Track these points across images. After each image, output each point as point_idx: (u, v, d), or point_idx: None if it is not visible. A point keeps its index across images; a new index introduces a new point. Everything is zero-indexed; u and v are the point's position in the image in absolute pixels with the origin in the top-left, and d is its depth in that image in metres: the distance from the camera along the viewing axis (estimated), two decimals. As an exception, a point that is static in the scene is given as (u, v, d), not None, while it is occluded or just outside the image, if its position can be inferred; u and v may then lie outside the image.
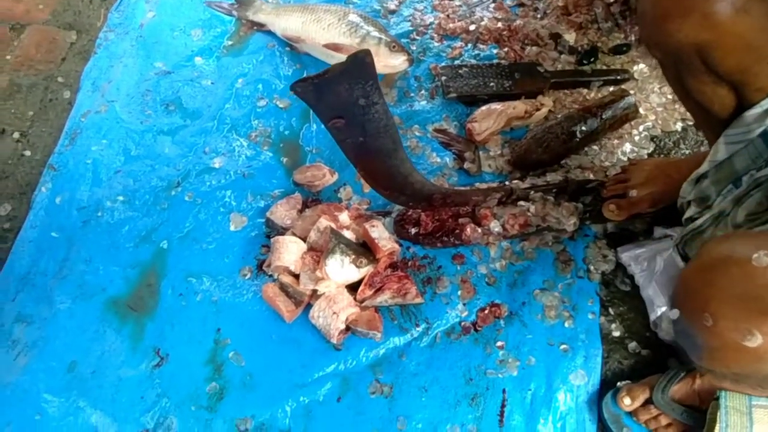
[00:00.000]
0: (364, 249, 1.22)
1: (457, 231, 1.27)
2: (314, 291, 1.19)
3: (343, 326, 1.15)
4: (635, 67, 1.54)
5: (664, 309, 1.16)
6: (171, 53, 1.60)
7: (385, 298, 1.18)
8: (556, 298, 1.23)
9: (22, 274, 1.26)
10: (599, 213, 1.29)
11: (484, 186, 1.32)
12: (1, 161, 1.43)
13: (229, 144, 1.44)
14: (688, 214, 1.03)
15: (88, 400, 1.13)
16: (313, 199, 1.35)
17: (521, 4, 1.68)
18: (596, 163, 1.40)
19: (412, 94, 1.52)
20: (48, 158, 1.42)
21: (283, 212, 1.28)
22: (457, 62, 1.57)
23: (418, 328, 1.20)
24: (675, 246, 1.05)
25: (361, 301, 1.19)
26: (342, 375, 1.16)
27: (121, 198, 1.35)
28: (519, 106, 1.43)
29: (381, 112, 0.91)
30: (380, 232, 1.22)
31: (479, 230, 1.26)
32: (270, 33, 1.63)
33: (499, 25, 1.62)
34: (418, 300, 1.20)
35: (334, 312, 1.15)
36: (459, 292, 1.24)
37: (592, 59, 1.55)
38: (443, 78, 1.49)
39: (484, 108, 1.42)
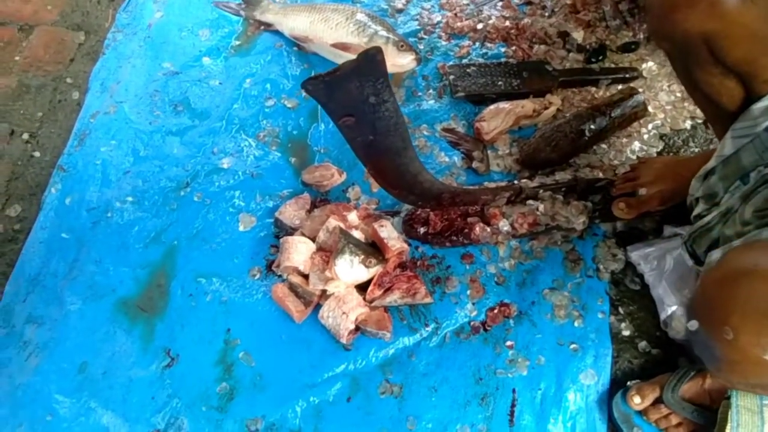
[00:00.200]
0: (373, 249, 1.22)
1: (466, 230, 1.26)
2: (324, 291, 1.19)
3: (352, 326, 1.15)
4: (644, 65, 1.54)
5: (674, 308, 1.15)
6: (179, 53, 1.60)
7: (394, 298, 1.18)
8: (566, 297, 1.23)
9: (32, 275, 1.27)
10: (608, 212, 1.28)
11: (492, 185, 1.32)
12: (10, 162, 1.44)
13: (237, 144, 1.44)
14: (696, 211, 1.02)
15: (99, 401, 1.14)
16: (321, 199, 1.35)
17: (529, 3, 1.68)
18: (605, 162, 1.39)
19: (420, 94, 1.52)
20: (57, 159, 1.43)
21: (291, 212, 1.29)
22: (464, 61, 1.57)
23: (427, 328, 1.20)
24: (684, 243, 1.05)
25: (371, 301, 1.19)
26: (352, 375, 1.16)
27: (130, 199, 1.36)
28: (527, 105, 1.42)
29: (391, 110, 0.91)
30: (389, 232, 1.22)
31: (488, 229, 1.26)
32: (278, 33, 1.63)
33: (507, 23, 1.62)
34: (428, 300, 1.20)
35: (344, 312, 1.15)
36: (468, 292, 1.24)
37: (600, 57, 1.54)
38: (451, 77, 1.49)
39: (492, 107, 1.42)
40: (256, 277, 1.26)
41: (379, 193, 1.34)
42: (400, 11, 1.68)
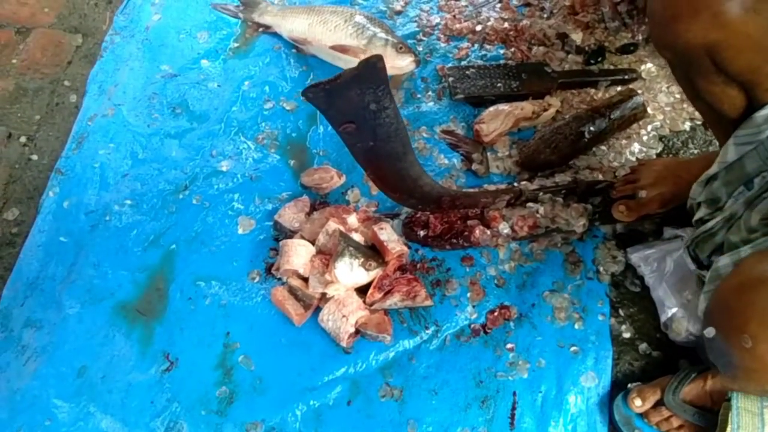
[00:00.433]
0: (373, 252, 1.22)
1: (466, 233, 1.26)
2: (323, 294, 1.19)
3: (352, 329, 1.15)
4: (643, 67, 1.54)
5: (674, 310, 1.15)
6: (177, 56, 1.59)
7: (394, 300, 1.18)
8: (566, 299, 1.23)
9: (30, 278, 1.27)
10: (608, 214, 1.28)
11: (492, 188, 1.32)
12: (8, 166, 1.44)
13: (236, 147, 1.44)
14: (698, 215, 1.02)
15: (98, 406, 1.13)
16: (320, 201, 1.34)
17: (528, 4, 1.67)
18: (605, 164, 1.39)
19: (419, 96, 1.52)
20: (55, 162, 1.42)
21: (291, 215, 1.28)
22: (463, 63, 1.56)
23: (427, 331, 1.20)
24: (686, 248, 1.05)
25: (371, 304, 1.19)
26: (352, 378, 1.16)
27: (128, 202, 1.35)
28: (527, 107, 1.42)
29: (392, 117, 0.91)
30: (389, 235, 1.21)
31: (488, 232, 1.26)
32: (276, 35, 1.62)
33: (506, 25, 1.62)
34: (428, 302, 1.20)
35: (344, 315, 1.15)
36: (468, 295, 1.23)
37: (599, 59, 1.54)
38: (450, 79, 1.49)
39: (491, 109, 1.42)
40: (256, 281, 1.25)
41: (378, 195, 1.33)
42: (398, 13, 1.67)
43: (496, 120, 1.39)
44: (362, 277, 1.18)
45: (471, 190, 1.32)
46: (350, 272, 1.15)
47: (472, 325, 1.21)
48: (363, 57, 1.42)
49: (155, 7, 1.69)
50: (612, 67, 1.54)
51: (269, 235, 1.31)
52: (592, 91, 1.51)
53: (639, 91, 1.45)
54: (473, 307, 1.22)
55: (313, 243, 1.24)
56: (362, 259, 1.16)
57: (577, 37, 1.57)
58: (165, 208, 1.35)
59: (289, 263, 1.20)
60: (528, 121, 1.43)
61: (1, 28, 1.67)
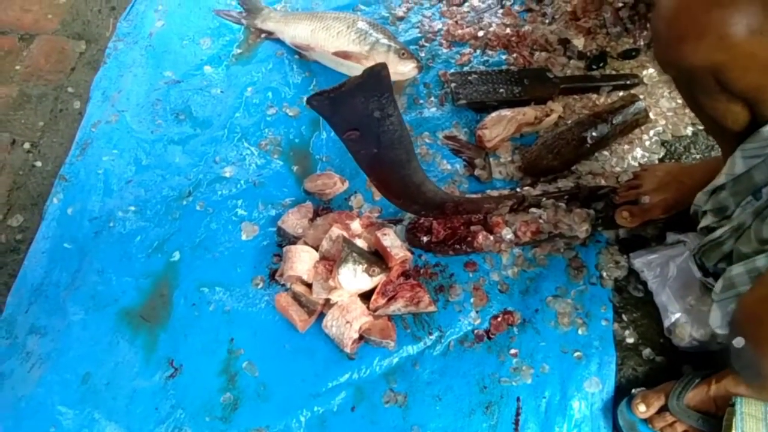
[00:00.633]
0: (377, 257, 1.22)
1: (469, 239, 1.27)
2: (327, 300, 1.19)
3: (356, 335, 1.15)
4: (645, 72, 1.54)
5: (677, 315, 1.16)
6: (180, 62, 1.60)
7: (398, 306, 1.18)
8: (569, 305, 1.23)
9: (35, 285, 1.27)
10: (611, 219, 1.29)
11: (495, 193, 1.32)
12: (12, 172, 1.44)
13: (239, 153, 1.44)
14: (704, 223, 1.02)
15: (102, 412, 1.13)
16: (324, 207, 1.35)
17: (529, 10, 1.68)
18: (607, 169, 1.39)
19: (421, 101, 1.52)
20: (59, 169, 1.43)
21: (294, 221, 1.29)
22: (466, 69, 1.57)
23: (431, 337, 1.20)
24: (692, 255, 1.05)
25: (374, 310, 1.19)
26: (356, 384, 1.16)
27: (132, 208, 1.36)
28: (529, 112, 1.42)
29: (396, 124, 0.91)
30: (392, 241, 1.22)
31: (491, 238, 1.26)
32: (279, 41, 1.63)
33: (508, 30, 1.62)
34: (431, 308, 1.20)
35: (348, 321, 1.15)
36: (471, 300, 1.24)
37: (601, 64, 1.55)
38: (453, 84, 1.49)
39: (494, 114, 1.42)
40: (259, 287, 1.26)
41: (381, 201, 1.34)
42: (401, 19, 1.68)
43: (499, 125, 1.40)
44: (366, 282, 1.18)
45: (474, 195, 1.32)
46: (354, 278, 1.16)
47: (476, 331, 1.21)
48: (365, 63, 1.45)
49: (158, 13, 1.70)
50: (614, 73, 1.54)
51: (273, 241, 1.31)
52: (594, 96, 1.51)
53: (641, 96, 1.45)
54: (477, 312, 1.22)
55: (316, 249, 1.24)
56: (366, 265, 1.16)
57: (578, 42, 1.57)
58: (169, 215, 1.35)
59: (293, 269, 1.20)
60: (530, 127, 1.43)
61: (4, 35, 1.68)
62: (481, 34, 1.62)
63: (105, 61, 1.61)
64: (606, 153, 1.42)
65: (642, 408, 1.06)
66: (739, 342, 0.83)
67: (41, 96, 1.57)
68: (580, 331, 1.20)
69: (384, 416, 1.13)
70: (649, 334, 1.21)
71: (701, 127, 1.45)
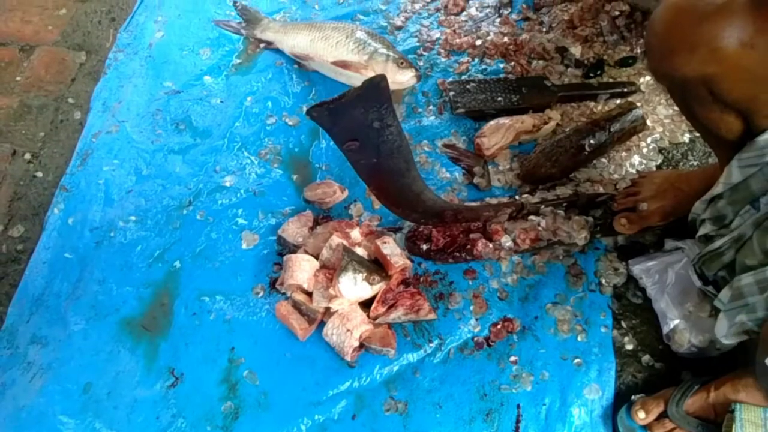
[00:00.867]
0: (377, 266, 1.23)
1: (469, 246, 1.27)
2: (327, 309, 1.20)
3: (356, 343, 1.15)
4: (642, 80, 1.55)
5: (676, 322, 1.16)
6: (180, 72, 1.61)
7: (398, 314, 1.19)
8: (569, 311, 1.24)
9: (36, 295, 1.27)
10: (609, 226, 1.29)
11: (494, 201, 1.33)
12: (13, 183, 1.45)
13: (239, 162, 1.45)
14: (702, 231, 1.03)
15: (103, 422, 1.13)
16: (323, 216, 1.35)
17: (527, 19, 1.69)
18: (605, 176, 1.40)
19: (420, 110, 1.53)
20: (60, 179, 1.44)
21: (294, 230, 1.29)
22: (464, 77, 1.58)
23: (431, 344, 1.20)
24: (692, 265, 1.06)
25: (375, 318, 1.19)
26: (356, 392, 1.16)
27: (133, 218, 1.36)
28: (527, 120, 1.43)
29: (395, 134, 0.92)
30: (392, 249, 1.22)
31: (490, 245, 1.27)
32: (278, 51, 1.64)
33: (505, 39, 1.64)
34: (431, 316, 1.21)
35: (348, 329, 1.15)
36: (471, 308, 1.24)
37: (598, 72, 1.56)
38: (451, 93, 1.50)
39: (492, 123, 1.43)
40: (260, 295, 1.26)
41: (380, 209, 1.34)
42: (399, 28, 1.69)
43: (497, 134, 1.41)
44: (366, 291, 1.18)
45: (473, 203, 1.33)
46: (354, 286, 1.16)
47: (476, 338, 1.21)
48: (364, 72, 1.46)
49: (158, 24, 1.71)
50: (611, 80, 1.56)
51: (273, 250, 1.32)
52: (592, 104, 1.52)
53: (638, 104, 1.46)
54: (476, 320, 1.23)
55: (316, 257, 1.25)
56: (366, 274, 1.16)
57: (576, 50, 1.59)
58: (169, 224, 1.36)
59: (293, 278, 1.20)
60: (529, 135, 1.44)
61: (5, 46, 1.69)
62: (479, 43, 1.64)
63: (105, 72, 1.62)
64: (604, 160, 1.43)
65: (641, 414, 1.07)
66: None
67: (42, 107, 1.57)
68: (579, 338, 1.21)
69: (385, 424, 1.13)
70: (648, 341, 1.21)
71: (698, 134, 1.46)
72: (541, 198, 1.33)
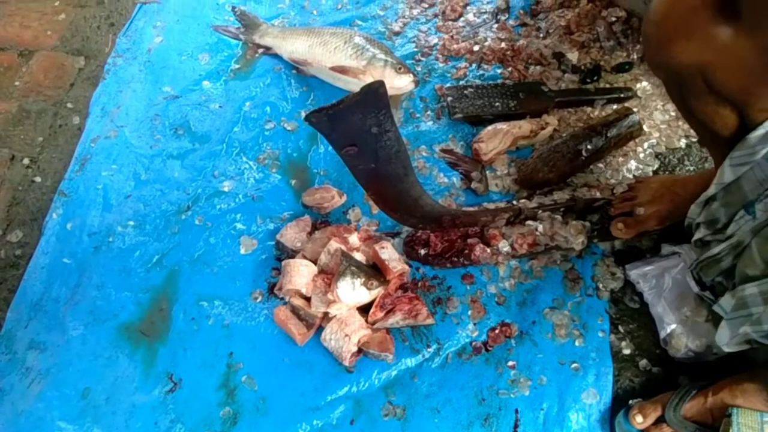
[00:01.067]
0: (375, 271, 1.23)
1: (467, 251, 1.28)
2: (326, 313, 1.20)
3: (355, 348, 1.16)
4: (638, 85, 1.56)
5: (673, 326, 1.16)
6: (179, 78, 1.62)
7: (396, 319, 1.19)
8: (566, 316, 1.24)
9: (34, 300, 1.27)
10: (606, 231, 1.30)
11: (492, 206, 1.33)
12: (11, 187, 1.45)
13: (237, 167, 1.45)
14: (698, 235, 1.04)
15: (102, 427, 1.14)
16: (322, 221, 1.36)
17: (524, 24, 1.70)
18: (602, 181, 1.41)
19: (418, 115, 1.54)
20: (58, 184, 1.44)
21: (292, 235, 1.29)
22: (462, 83, 1.59)
23: (429, 349, 1.21)
24: (690, 270, 1.06)
25: (373, 323, 1.19)
26: (355, 397, 1.16)
27: (131, 223, 1.37)
28: (524, 126, 1.44)
29: (393, 139, 0.92)
30: (390, 254, 1.23)
31: (488, 250, 1.27)
32: (276, 56, 1.65)
33: (503, 45, 1.64)
34: (429, 321, 1.21)
35: (346, 334, 1.15)
36: (469, 312, 1.24)
37: (595, 78, 1.57)
38: (449, 98, 1.51)
39: (489, 128, 1.44)
40: (258, 300, 1.26)
41: (379, 214, 1.35)
42: (397, 34, 1.70)
43: (495, 139, 1.41)
44: (364, 296, 1.19)
45: (471, 208, 1.33)
46: (352, 291, 1.16)
47: (474, 343, 1.22)
48: (363, 77, 1.46)
49: (157, 29, 1.72)
50: (608, 86, 1.56)
51: (271, 255, 1.32)
52: (589, 109, 1.53)
53: (635, 109, 1.47)
54: (474, 324, 1.23)
55: (314, 262, 1.25)
56: (364, 279, 1.17)
57: (573, 56, 1.59)
58: (168, 229, 1.36)
59: (292, 283, 1.21)
60: (526, 140, 1.45)
61: (4, 51, 1.69)
62: (476, 48, 1.64)
63: (104, 77, 1.63)
64: (601, 165, 1.44)
65: (639, 419, 1.07)
66: None
67: (40, 112, 1.58)
68: (577, 343, 1.21)
69: (383, 429, 1.13)
70: (645, 345, 1.22)
71: (695, 139, 1.47)
72: (539, 203, 1.33)
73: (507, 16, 1.72)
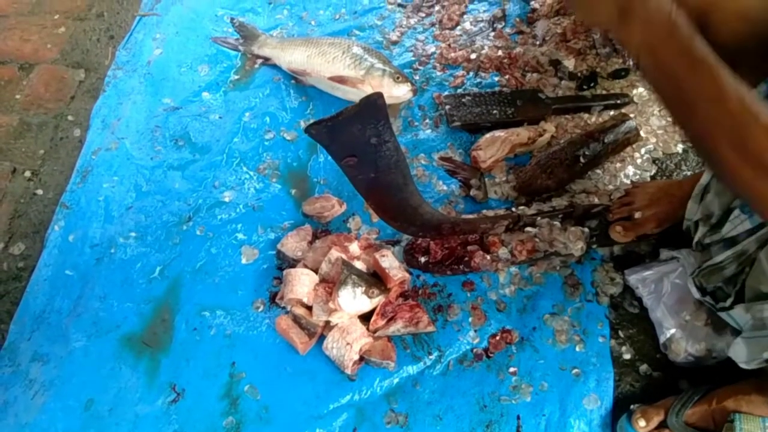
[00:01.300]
0: (375, 279, 1.24)
1: (466, 258, 1.28)
2: (327, 322, 1.21)
3: (356, 356, 1.16)
4: (635, 91, 1.57)
5: (673, 331, 1.17)
6: (179, 89, 1.63)
7: (397, 327, 1.20)
8: (566, 322, 1.25)
9: (37, 312, 1.28)
10: (605, 236, 1.31)
11: (491, 213, 1.34)
12: (13, 200, 1.46)
13: (238, 177, 1.46)
14: (697, 236, 1.04)
15: (106, 439, 1.14)
16: (322, 230, 1.37)
17: (520, 32, 1.71)
18: (600, 187, 1.42)
19: (416, 124, 1.55)
20: (60, 196, 1.45)
21: (293, 244, 1.30)
22: (459, 91, 1.60)
23: (430, 357, 1.21)
24: (691, 277, 1.06)
25: (374, 331, 1.20)
26: (357, 405, 1.17)
27: (133, 234, 1.37)
28: (522, 133, 1.45)
29: (392, 149, 0.93)
30: (391, 262, 1.23)
31: (488, 257, 1.28)
32: (275, 67, 1.66)
33: (500, 53, 1.65)
34: (430, 328, 1.22)
35: (348, 342, 1.16)
36: (470, 319, 1.25)
37: (591, 84, 1.58)
38: (447, 107, 1.52)
39: (488, 135, 1.45)
40: (260, 310, 1.27)
41: (379, 223, 1.35)
42: (395, 43, 1.71)
43: (493, 146, 1.42)
44: (365, 304, 1.19)
45: (470, 216, 1.34)
46: (353, 300, 1.17)
47: (475, 350, 1.22)
48: (361, 87, 1.47)
49: (156, 41, 1.73)
50: (604, 92, 1.57)
51: (272, 265, 1.33)
52: (586, 116, 1.54)
53: (631, 115, 1.48)
54: (475, 331, 1.24)
55: (316, 271, 1.26)
56: (365, 287, 1.17)
57: (569, 63, 1.61)
58: (169, 240, 1.37)
59: (293, 292, 1.21)
60: (524, 147, 1.46)
61: (4, 65, 1.70)
62: (473, 56, 1.65)
63: (104, 89, 1.64)
64: (599, 171, 1.45)
65: (642, 423, 1.08)
66: None
67: (41, 124, 1.59)
68: (577, 348, 1.22)
69: (386, 437, 1.14)
70: (645, 350, 1.22)
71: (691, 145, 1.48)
72: (538, 209, 1.34)
73: (503, 24, 1.74)
